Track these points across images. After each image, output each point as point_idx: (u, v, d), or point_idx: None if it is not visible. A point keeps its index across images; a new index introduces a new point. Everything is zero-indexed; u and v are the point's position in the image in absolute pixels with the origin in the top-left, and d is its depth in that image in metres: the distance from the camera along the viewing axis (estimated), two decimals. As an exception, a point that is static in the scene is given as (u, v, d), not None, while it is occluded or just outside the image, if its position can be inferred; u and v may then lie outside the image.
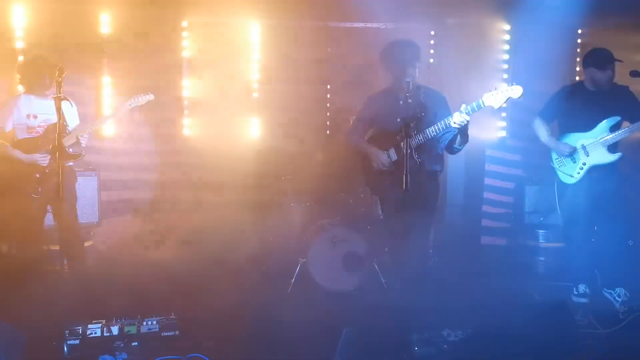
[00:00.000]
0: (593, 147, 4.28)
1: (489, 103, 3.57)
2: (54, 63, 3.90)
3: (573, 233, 4.51)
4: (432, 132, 3.69)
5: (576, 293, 4.49)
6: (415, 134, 3.68)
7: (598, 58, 4.32)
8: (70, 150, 4.15)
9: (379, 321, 3.97)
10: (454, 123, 3.56)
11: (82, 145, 4.24)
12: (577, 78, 6.12)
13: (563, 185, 4.45)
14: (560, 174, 4.43)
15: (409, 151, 3.39)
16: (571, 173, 4.35)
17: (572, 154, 4.33)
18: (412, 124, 3.54)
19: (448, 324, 3.45)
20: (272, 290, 4.80)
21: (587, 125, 4.33)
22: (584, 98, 4.36)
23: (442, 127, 3.65)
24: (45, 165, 4.09)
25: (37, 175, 4.10)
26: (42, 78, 3.94)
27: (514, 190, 6.10)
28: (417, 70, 3.90)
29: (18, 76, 4.23)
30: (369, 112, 4.09)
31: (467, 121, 3.57)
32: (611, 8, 5.46)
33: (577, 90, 4.49)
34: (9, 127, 4.08)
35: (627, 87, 4.38)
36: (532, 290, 4.84)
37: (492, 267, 5.50)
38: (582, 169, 4.31)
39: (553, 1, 5.39)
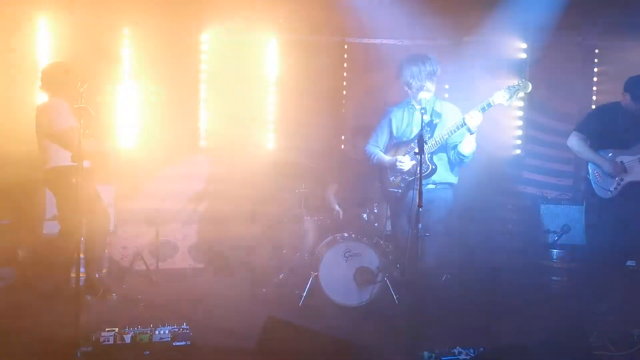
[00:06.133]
0: (632, 164, 4.31)
1: (498, 100, 3.72)
2: (80, 73, 3.88)
3: (599, 248, 4.48)
4: (446, 132, 3.78)
5: (597, 312, 4.43)
6: (429, 139, 3.77)
7: (636, 88, 4.32)
8: None
9: (390, 337, 3.97)
10: (467, 119, 3.65)
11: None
12: (594, 97, 6.11)
13: (594, 199, 4.45)
14: (595, 186, 4.44)
15: (423, 158, 3.46)
16: (608, 187, 4.37)
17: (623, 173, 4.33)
18: (427, 129, 3.64)
19: (459, 342, 3.42)
20: (284, 303, 4.80)
21: (626, 143, 4.36)
22: (623, 117, 4.39)
23: (455, 128, 3.75)
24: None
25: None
26: (73, 88, 3.85)
27: (529, 208, 6.06)
28: (433, 83, 3.96)
29: (40, 83, 4.09)
30: (387, 122, 4.16)
31: (480, 120, 3.70)
32: (628, 28, 5.45)
33: (614, 109, 4.50)
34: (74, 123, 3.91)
35: None
36: (546, 311, 4.79)
37: (505, 286, 5.45)
38: (619, 184, 4.33)
39: (569, 21, 5.40)
